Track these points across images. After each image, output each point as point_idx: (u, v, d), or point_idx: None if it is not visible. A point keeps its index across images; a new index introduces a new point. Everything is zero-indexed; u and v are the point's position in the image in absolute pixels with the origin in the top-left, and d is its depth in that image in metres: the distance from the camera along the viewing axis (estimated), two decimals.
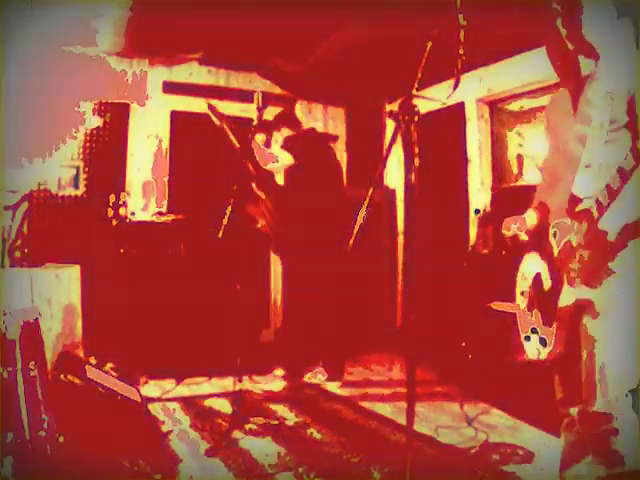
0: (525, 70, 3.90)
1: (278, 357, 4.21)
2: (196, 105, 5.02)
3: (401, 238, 5.32)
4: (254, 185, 3.70)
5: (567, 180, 1.66)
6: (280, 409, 3.30)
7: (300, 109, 5.44)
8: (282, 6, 3.59)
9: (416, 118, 1.42)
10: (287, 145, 3.82)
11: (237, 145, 3.54)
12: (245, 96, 4.67)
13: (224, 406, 3.31)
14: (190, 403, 3.38)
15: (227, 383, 3.72)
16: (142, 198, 4.62)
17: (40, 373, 2.39)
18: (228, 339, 3.99)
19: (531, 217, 1.84)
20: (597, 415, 1.65)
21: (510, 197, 4.17)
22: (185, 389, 3.67)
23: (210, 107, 3.50)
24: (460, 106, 4.57)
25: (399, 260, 5.32)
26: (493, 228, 3.97)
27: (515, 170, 4.42)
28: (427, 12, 2.96)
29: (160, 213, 4.44)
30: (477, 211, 4.39)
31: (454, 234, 4.59)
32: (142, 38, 4.20)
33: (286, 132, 3.89)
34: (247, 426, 2.94)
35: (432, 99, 3.67)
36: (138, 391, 3.02)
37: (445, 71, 1.47)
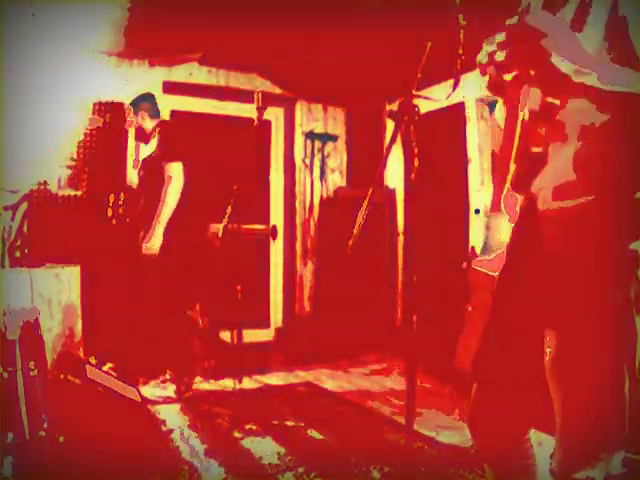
0: None
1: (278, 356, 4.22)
2: (196, 105, 5.04)
3: (401, 238, 5.32)
4: None
5: None
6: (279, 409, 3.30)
7: (300, 109, 5.45)
8: (282, 6, 3.59)
9: (416, 118, 1.42)
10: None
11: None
12: (245, 96, 4.67)
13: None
14: (190, 403, 3.38)
15: (227, 383, 3.73)
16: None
17: (40, 373, 2.39)
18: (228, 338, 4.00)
19: None
20: None
21: None
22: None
23: None
24: (460, 106, 4.57)
25: (399, 260, 5.32)
26: None
27: None
28: (427, 12, 2.97)
29: None
30: (477, 211, 4.39)
31: (454, 234, 4.59)
32: (142, 38, 4.20)
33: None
34: (247, 426, 2.95)
35: (432, 99, 3.67)
36: (138, 391, 3.02)
37: (445, 71, 1.47)
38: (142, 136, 3.84)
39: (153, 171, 3.64)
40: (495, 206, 1.35)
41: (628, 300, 1.24)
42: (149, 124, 3.79)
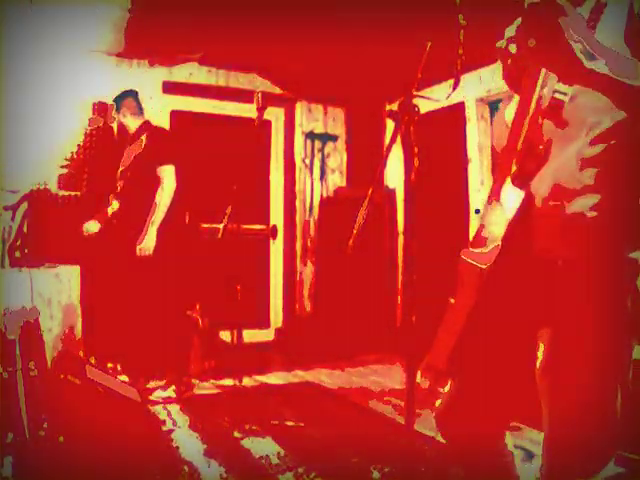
0: None
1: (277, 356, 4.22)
2: (196, 105, 5.04)
3: (401, 238, 5.32)
4: None
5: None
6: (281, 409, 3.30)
7: (300, 109, 5.45)
8: (282, 6, 3.59)
9: (416, 118, 1.42)
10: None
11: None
12: (245, 96, 4.68)
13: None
14: (190, 403, 3.38)
15: (227, 383, 3.73)
16: None
17: (40, 373, 2.39)
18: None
19: None
20: None
21: None
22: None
23: None
24: (460, 106, 4.58)
25: (399, 260, 5.32)
26: None
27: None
28: (427, 12, 2.97)
29: None
30: (477, 211, 4.39)
31: (454, 234, 4.59)
32: (142, 38, 4.20)
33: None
34: (247, 426, 2.94)
35: (432, 99, 3.67)
36: (138, 391, 3.02)
37: (445, 71, 1.47)
38: (125, 135, 3.85)
39: (141, 174, 3.66)
40: (494, 197, 1.33)
41: (625, 308, 1.22)
42: (131, 122, 3.79)
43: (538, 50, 1.10)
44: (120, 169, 3.85)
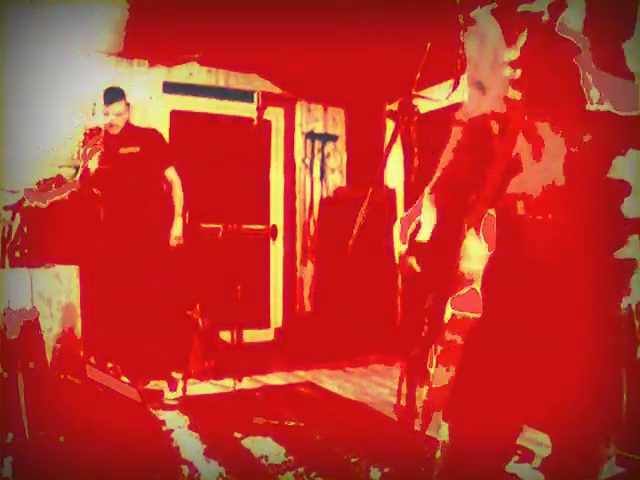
0: None
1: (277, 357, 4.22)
2: (196, 105, 5.04)
3: None
4: None
5: None
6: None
7: (300, 109, 5.45)
8: (282, 6, 3.59)
9: (416, 118, 1.42)
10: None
11: None
12: (245, 96, 4.68)
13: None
14: (190, 403, 3.38)
15: (227, 383, 3.72)
16: None
17: (40, 373, 2.39)
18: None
19: None
20: None
21: None
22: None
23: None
24: (460, 106, 4.57)
25: None
26: None
27: None
28: (427, 12, 2.97)
29: None
30: None
31: (454, 234, 4.59)
32: (142, 38, 4.20)
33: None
34: (247, 426, 2.94)
35: (432, 99, 3.67)
36: (138, 391, 3.01)
37: (445, 71, 1.47)
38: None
39: (143, 176, 3.78)
40: (474, 229, 1.29)
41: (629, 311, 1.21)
42: (120, 122, 3.83)
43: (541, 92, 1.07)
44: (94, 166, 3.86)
